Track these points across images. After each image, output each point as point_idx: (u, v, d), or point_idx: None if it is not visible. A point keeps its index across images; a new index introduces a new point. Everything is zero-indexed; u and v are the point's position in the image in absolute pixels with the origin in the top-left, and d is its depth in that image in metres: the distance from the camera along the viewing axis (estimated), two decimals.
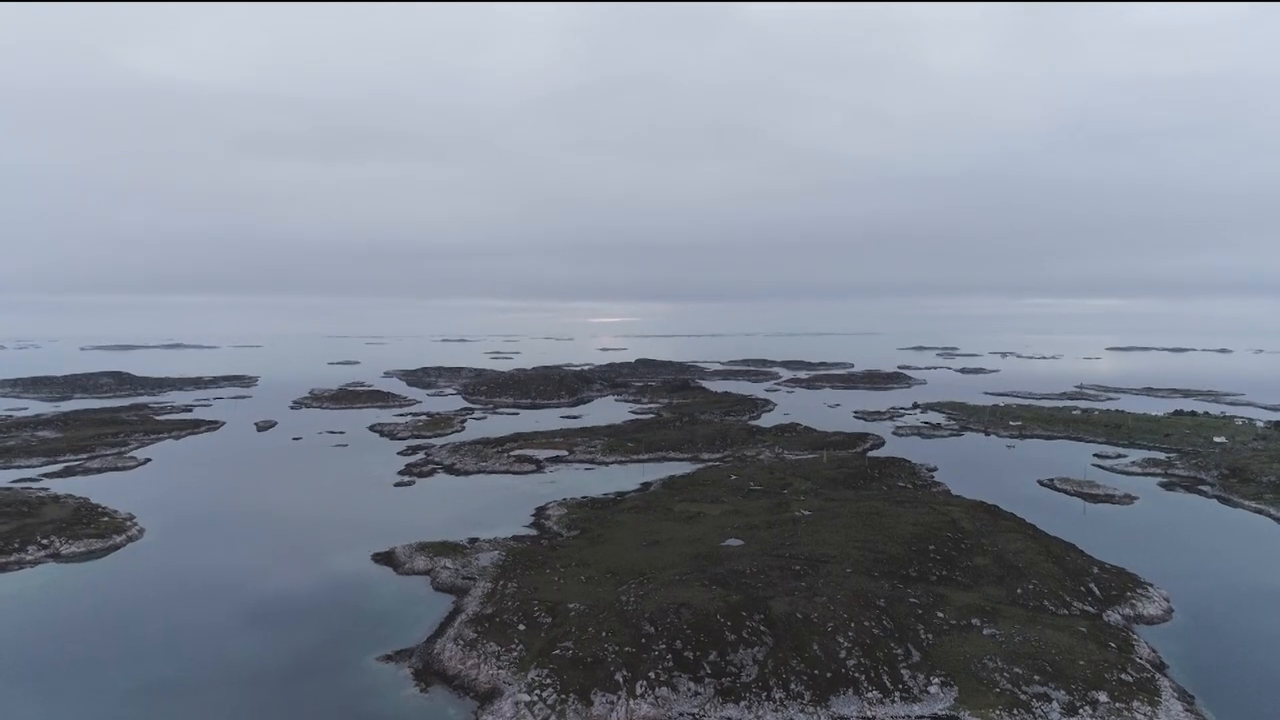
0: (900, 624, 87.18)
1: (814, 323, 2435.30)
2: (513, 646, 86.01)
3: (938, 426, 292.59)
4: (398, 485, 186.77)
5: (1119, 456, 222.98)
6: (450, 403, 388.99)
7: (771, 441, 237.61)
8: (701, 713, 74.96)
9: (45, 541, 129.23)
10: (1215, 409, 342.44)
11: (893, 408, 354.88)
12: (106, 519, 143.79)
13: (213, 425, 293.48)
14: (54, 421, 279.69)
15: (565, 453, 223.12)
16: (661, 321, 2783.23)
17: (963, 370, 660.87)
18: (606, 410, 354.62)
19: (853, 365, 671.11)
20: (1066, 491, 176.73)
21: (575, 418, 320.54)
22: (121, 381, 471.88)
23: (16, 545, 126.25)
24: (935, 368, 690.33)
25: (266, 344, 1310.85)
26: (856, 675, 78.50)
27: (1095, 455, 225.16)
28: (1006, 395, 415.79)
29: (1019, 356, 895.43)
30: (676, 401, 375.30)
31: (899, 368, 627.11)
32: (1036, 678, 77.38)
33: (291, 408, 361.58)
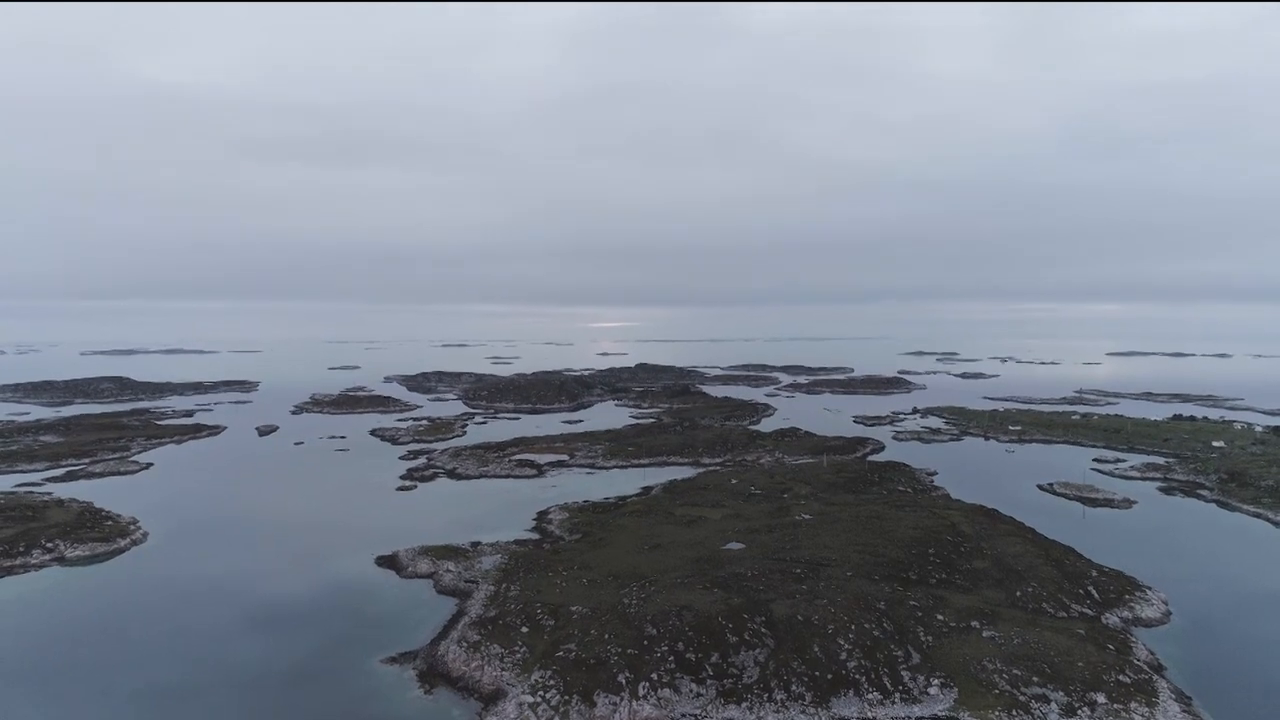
0: (900, 626, 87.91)
1: (814, 327, 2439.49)
2: (516, 649, 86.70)
3: (937, 431, 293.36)
4: (400, 489, 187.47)
5: (1118, 461, 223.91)
6: (451, 408, 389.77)
7: (772, 446, 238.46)
8: (703, 714, 75.65)
9: (50, 545, 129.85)
10: (1214, 414, 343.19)
11: (893, 412, 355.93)
12: (110, 523, 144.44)
13: (214, 430, 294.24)
14: (56, 426, 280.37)
15: (566, 457, 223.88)
16: (661, 326, 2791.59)
17: (962, 375, 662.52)
18: (607, 415, 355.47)
19: (853, 370, 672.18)
20: (1066, 496, 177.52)
21: (576, 423, 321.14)
22: (122, 386, 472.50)
23: (21, 549, 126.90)
24: (935, 373, 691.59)
25: (266, 349, 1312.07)
26: (857, 677, 79.23)
27: (1094, 460, 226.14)
28: (1006, 400, 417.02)
29: (1019, 361, 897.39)
30: (677, 406, 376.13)
31: (899, 372, 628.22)
32: (1035, 679, 78.12)
33: (292, 412, 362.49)
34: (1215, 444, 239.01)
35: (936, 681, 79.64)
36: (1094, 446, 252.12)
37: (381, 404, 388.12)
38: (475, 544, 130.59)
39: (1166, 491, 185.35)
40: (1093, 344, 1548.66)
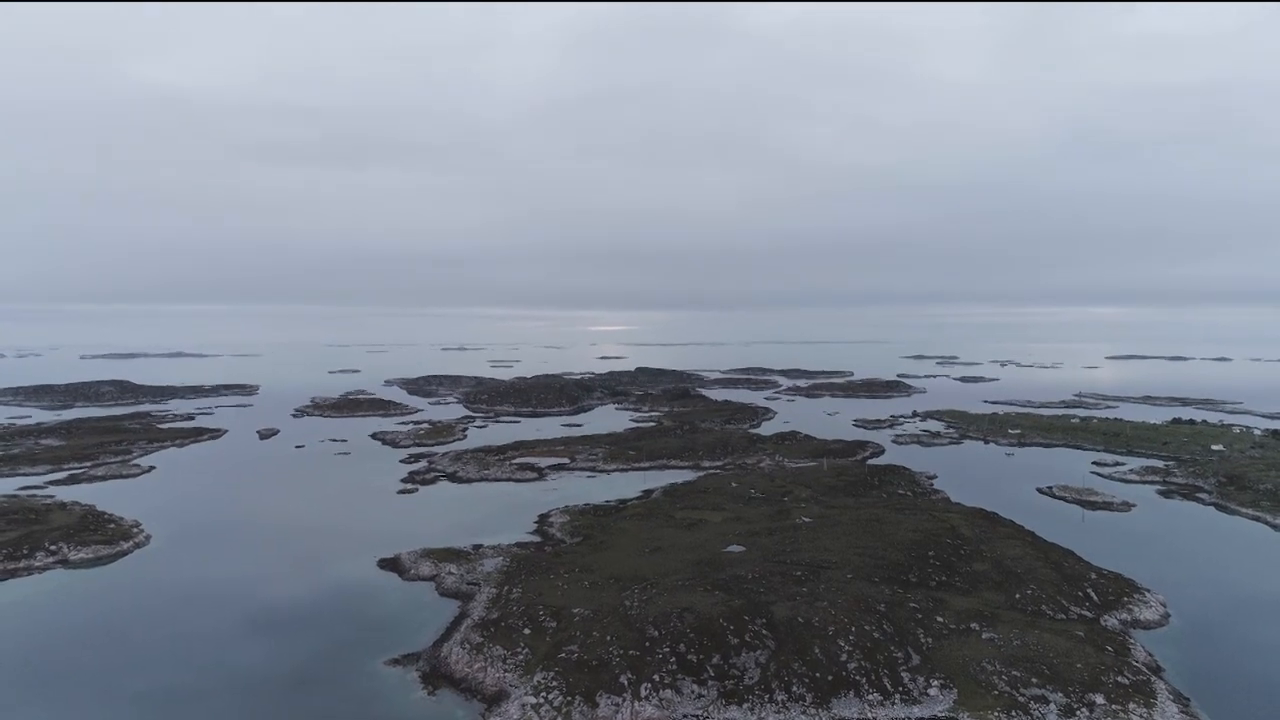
0: (900, 628, 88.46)
1: (814, 331, 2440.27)
2: (518, 650, 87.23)
3: (937, 434, 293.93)
4: (401, 493, 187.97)
5: (1117, 464, 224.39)
6: (451, 411, 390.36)
7: (772, 449, 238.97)
8: (705, 714, 76.16)
9: (53, 548, 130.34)
10: (1213, 417, 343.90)
11: (893, 416, 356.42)
12: (113, 526, 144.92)
13: (215, 433, 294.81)
14: (57, 429, 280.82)
15: (567, 460, 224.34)
16: (661, 330, 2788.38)
17: (962, 379, 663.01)
18: (607, 418, 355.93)
19: (853, 373, 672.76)
20: (1065, 499, 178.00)
21: (576, 426, 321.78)
22: (123, 390, 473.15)
23: (25, 551, 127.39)
24: (935, 376, 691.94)
25: (267, 352, 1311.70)
26: (857, 678, 79.78)
27: (1094, 463, 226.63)
28: (1006, 403, 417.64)
29: (1019, 365, 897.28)
30: (677, 410, 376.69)
31: (898, 376, 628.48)
32: (1034, 680, 78.66)
33: (293, 416, 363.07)
34: (1214, 447, 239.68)
35: (936, 683, 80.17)
36: (1093, 450, 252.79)
37: (382, 407, 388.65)
38: (477, 547, 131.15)
39: (1165, 495, 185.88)
40: (1092, 347, 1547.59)
